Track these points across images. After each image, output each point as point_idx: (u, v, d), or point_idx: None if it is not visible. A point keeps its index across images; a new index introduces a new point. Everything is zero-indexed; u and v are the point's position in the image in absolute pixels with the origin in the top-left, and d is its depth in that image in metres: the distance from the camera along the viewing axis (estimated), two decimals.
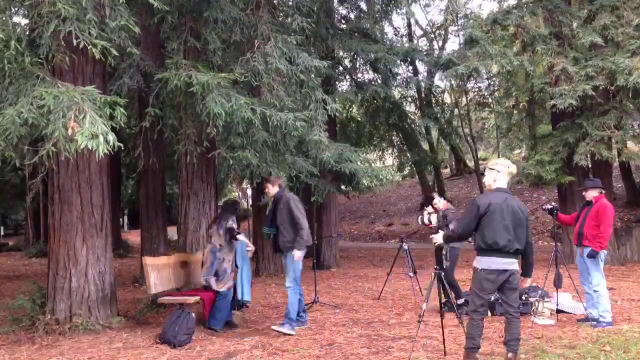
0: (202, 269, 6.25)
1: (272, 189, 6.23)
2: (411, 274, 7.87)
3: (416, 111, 20.06)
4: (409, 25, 23.60)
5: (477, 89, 21.97)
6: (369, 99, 14.30)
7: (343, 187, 12.28)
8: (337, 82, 14.10)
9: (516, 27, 10.78)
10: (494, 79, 18.78)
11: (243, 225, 23.63)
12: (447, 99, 23.26)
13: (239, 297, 6.28)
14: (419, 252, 14.39)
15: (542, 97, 10.82)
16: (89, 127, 4.74)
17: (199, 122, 6.85)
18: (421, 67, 19.98)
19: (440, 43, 25.29)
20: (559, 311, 6.29)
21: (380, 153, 21.15)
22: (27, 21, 6.53)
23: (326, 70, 8.23)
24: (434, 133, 23.29)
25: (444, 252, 4.93)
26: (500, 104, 17.29)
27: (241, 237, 6.24)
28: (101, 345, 5.49)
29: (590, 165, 10.96)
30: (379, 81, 14.16)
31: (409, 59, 15.94)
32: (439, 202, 7.18)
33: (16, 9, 6.88)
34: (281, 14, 9.68)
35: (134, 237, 21.41)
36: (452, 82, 18.48)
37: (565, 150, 10.31)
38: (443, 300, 6.79)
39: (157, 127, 7.87)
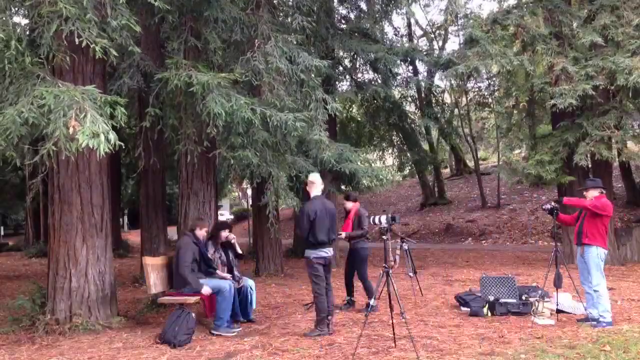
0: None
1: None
2: (411, 274, 7.87)
3: (416, 111, 20.08)
4: (409, 25, 23.64)
5: (477, 89, 22.01)
6: (369, 98, 14.31)
7: (343, 187, 12.27)
8: (337, 82, 14.11)
9: (516, 27, 10.79)
10: (494, 78, 18.81)
11: (243, 225, 23.62)
12: (447, 98, 23.29)
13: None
14: (418, 252, 14.41)
15: (542, 96, 10.83)
16: (90, 126, 4.75)
17: (199, 122, 6.85)
18: (421, 67, 20.04)
19: (440, 43, 25.34)
20: (559, 311, 6.29)
21: (380, 153, 21.17)
22: (27, 21, 6.53)
23: (326, 70, 8.23)
24: (434, 133, 23.32)
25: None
26: (500, 104, 17.30)
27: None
28: (101, 345, 5.49)
29: (590, 165, 10.96)
30: (379, 81, 14.17)
31: (409, 59, 15.95)
32: (347, 205, 7.42)
33: (16, 9, 6.89)
34: (281, 14, 9.69)
35: (134, 237, 21.42)
36: (452, 82, 18.52)
37: (565, 150, 10.31)
38: (347, 298, 6.97)
39: (157, 127, 7.87)
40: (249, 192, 16.15)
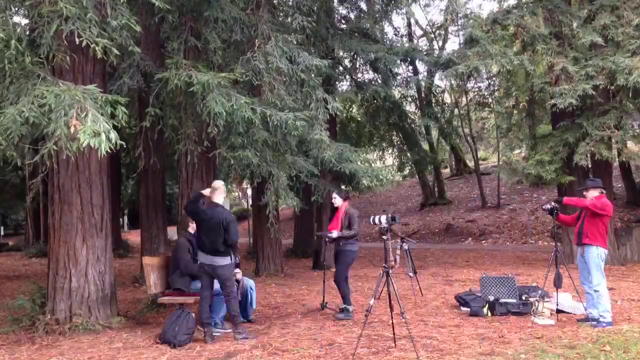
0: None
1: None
2: (411, 274, 7.87)
3: (416, 111, 20.09)
4: (409, 25, 23.65)
5: (477, 89, 22.01)
6: (369, 98, 14.32)
7: (343, 187, 12.27)
8: (337, 82, 14.12)
9: (516, 27, 10.79)
10: (494, 78, 18.81)
11: (243, 225, 23.62)
12: (447, 98, 23.31)
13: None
14: (418, 252, 14.42)
15: (542, 96, 10.83)
16: (91, 125, 4.75)
17: (199, 122, 6.86)
18: (421, 67, 20.04)
19: (440, 43, 25.33)
20: (559, 311, 6.29)
21: (380, 153, 21.18)
22: (27, 21, 6.53)
23: (326, 70, 8.23)
24: (434, 133, 23.34)
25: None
26: (500, 104, 17.30)
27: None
28: (101, 345, 5.49)
29: (590, 165, 10.96)
30: (379, 81, 14.18)
31: (409, 59, 15.96)
32: (336, 200, 6.68)
33: (16, 8, 6.89)
34: (281, 14, 9.69)
35: (134, 237, 21.42)
36: (452, 81, 18.52)
37: (565, 150, 10.31)
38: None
39: (158, 127, 7.87)
40: (249, 192, 16.15)
